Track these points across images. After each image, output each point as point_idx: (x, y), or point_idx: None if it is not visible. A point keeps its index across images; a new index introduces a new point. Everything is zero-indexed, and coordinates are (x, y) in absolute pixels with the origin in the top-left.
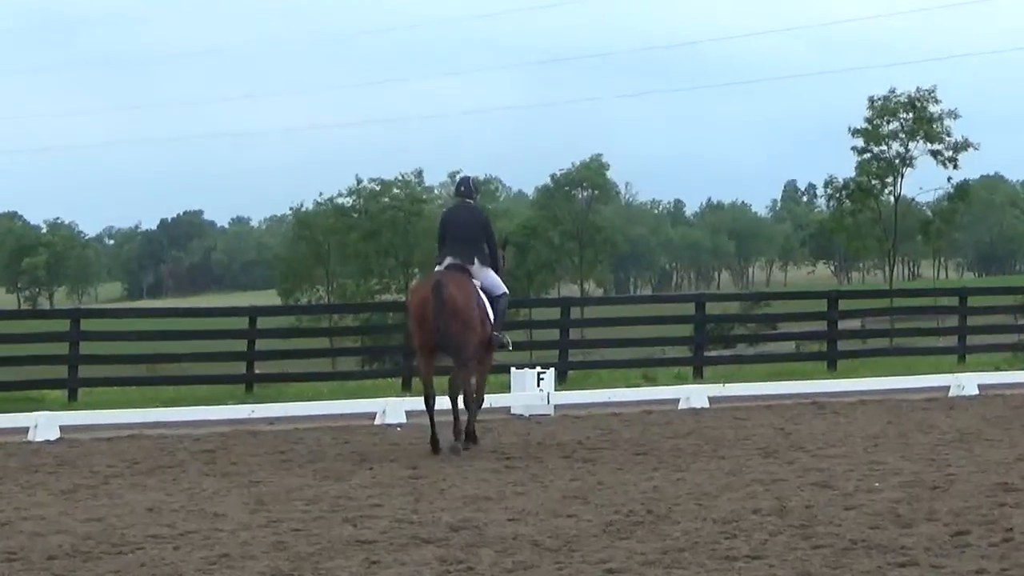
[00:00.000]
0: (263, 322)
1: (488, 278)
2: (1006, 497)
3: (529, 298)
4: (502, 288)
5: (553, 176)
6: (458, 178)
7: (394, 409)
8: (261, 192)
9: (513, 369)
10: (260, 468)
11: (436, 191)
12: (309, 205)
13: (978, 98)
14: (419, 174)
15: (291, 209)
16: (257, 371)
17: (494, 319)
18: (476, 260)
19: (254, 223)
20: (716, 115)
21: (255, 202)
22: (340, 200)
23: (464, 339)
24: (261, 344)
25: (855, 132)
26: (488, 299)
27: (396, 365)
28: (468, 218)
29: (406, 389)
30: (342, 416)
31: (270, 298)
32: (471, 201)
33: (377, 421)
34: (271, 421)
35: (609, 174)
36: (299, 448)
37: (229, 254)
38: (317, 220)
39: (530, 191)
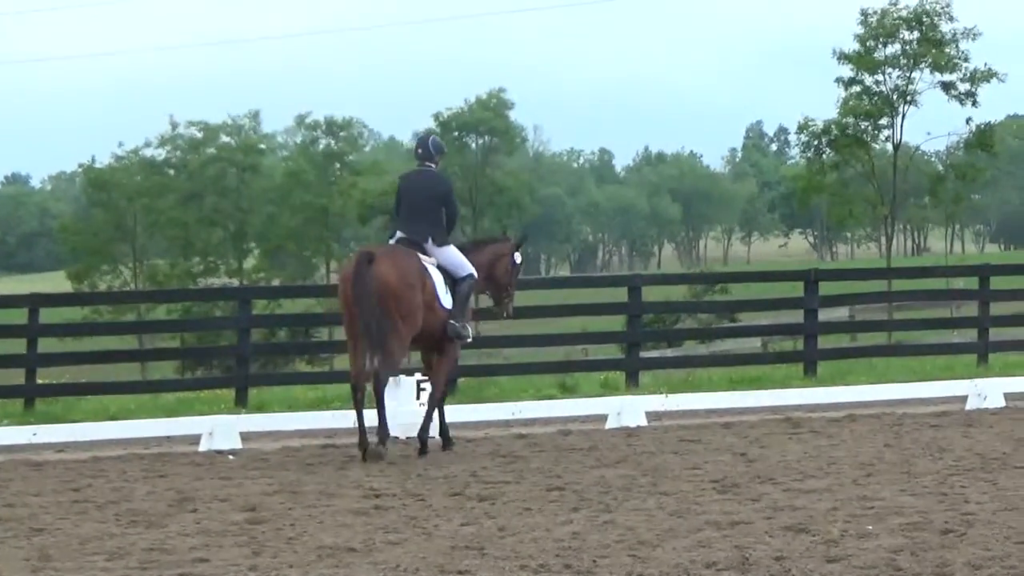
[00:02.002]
0: (47, 315)
1: (447, 257)
2: None
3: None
4: (467, 269)
5: (438, 118)
6: (417, 138)
7: (225, 431)
8: (42, 142)
9: None
10: (45, 511)
11: (279, 139)
12: (106, 159)
13: (1004, 13)
14: (255, 116)
15: (81, 166)
16: (40, 381)
17: (453, 304)
18: (431, 236)
19: (34, 183)
20: (656, 36)
21: (34, 155)
22: (148, 152)
23: (388, 327)
24: (45, 345)
25: (842, 58)
26: (450, 281)
27: (228, 372)
28: (425, 186)
29: (240, 404)
30: (155, 440)
31: (57, 283)
32: (431, 165)
33: (202, 447)
34: (59, 448)
35: (513, 115)
36: (98, 483)
37: (0, 224)
38: (117, 179)
39: (406, 138)
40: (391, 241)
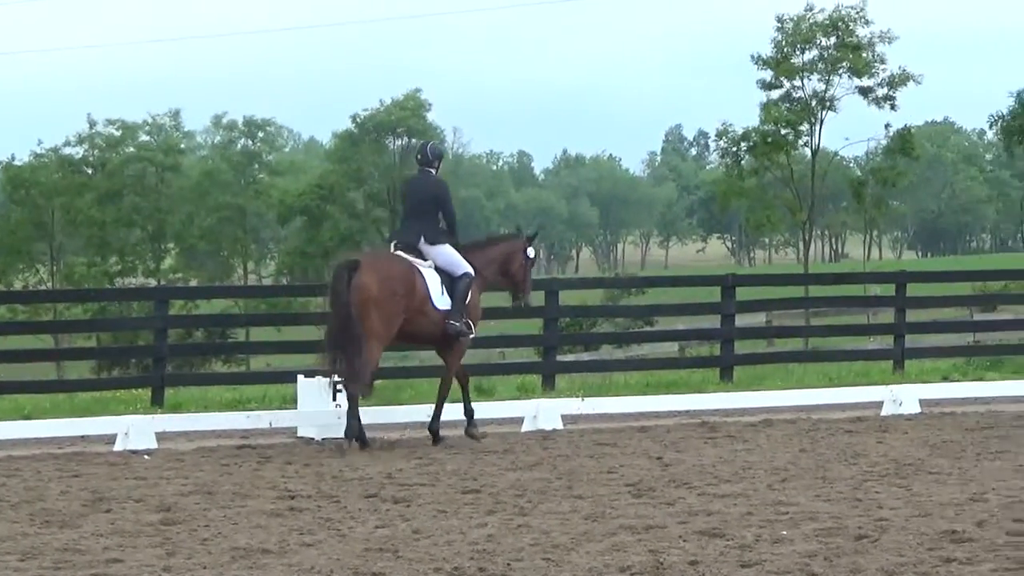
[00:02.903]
0: None
1: (443, 256)
2: (955, 550)
3: (323, 283)
4: (463, 268)
5: (356, 119)
6: (418, 144)
7: (140, 431)
8: None
9: (300, 377)
10: None
11: (199, 139)
12: (24, 156)
13: (919, 18)
14: (175, 115)
15: (0, 163)
16: None
17: (451, 303)
18: (424, 237)
19: None
20: (575, 39)
21: None
22: (67, 150)
23: (362, 336)
24: None
25: (760, 62)
26: (447, 280)
27: (144, 372)
28: (422, 189)
29: (156, 404)
30: (70, 440)
31: None
32: (431, 170)
33: (118, 446)
34: None
35: (431, 117)
36: (12, 483)
37: None
38: (36, 177)
39: (325, 139)
40: (392, 242)
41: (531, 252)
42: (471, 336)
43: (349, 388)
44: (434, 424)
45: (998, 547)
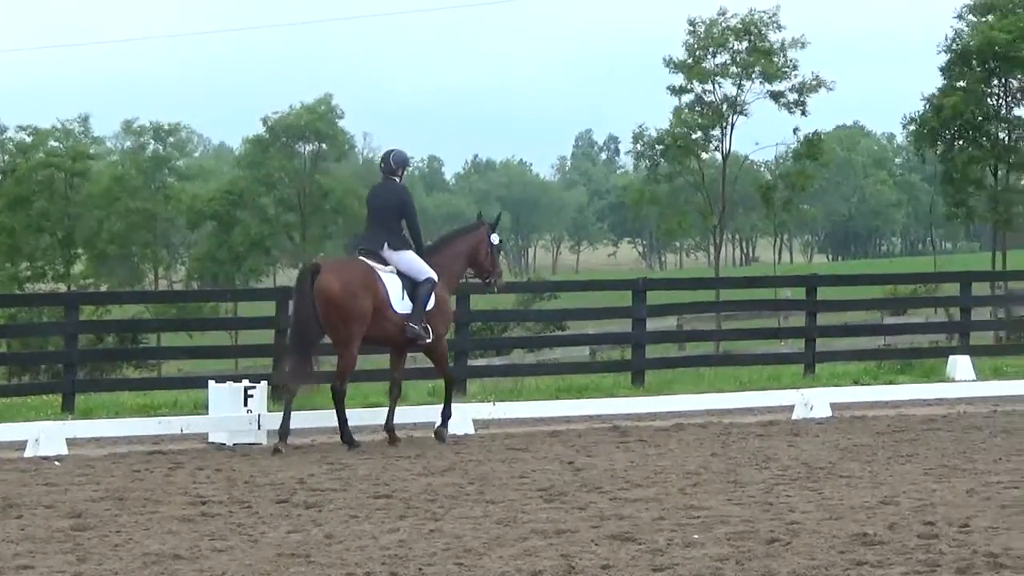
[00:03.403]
0: None
1: (405, 262)
2: (866, 553)
3: (234, 288)
4: (425, 273)
5: (266, 124)
6: (383, 152)
7: (51, 437)
8: None
9: (211, 383)
10: None
11: (109, 144)
12: None
13: (830, 23)
14: (85, 121)
15: None
16: None
17: (413, 307)
18: (387, 243)
19: None
20: (486, 43)
21: None
22: None
23: (316, 339)
24: None
25: (672, 65)
26: (409, 285)
27: (55, 377)
28: (384, 197)
29: (67, 410)
30: None
31: None
32: (395, 178)
33: (28, 453)
34: None
35: (342, 122)
36: None
37: None
38: None
39: (236, 144)
40: (356, 249)
41: (495, 239)
42: (427, 341)
43: (291, 388)
44: (445, 413)
45: (909, 550)
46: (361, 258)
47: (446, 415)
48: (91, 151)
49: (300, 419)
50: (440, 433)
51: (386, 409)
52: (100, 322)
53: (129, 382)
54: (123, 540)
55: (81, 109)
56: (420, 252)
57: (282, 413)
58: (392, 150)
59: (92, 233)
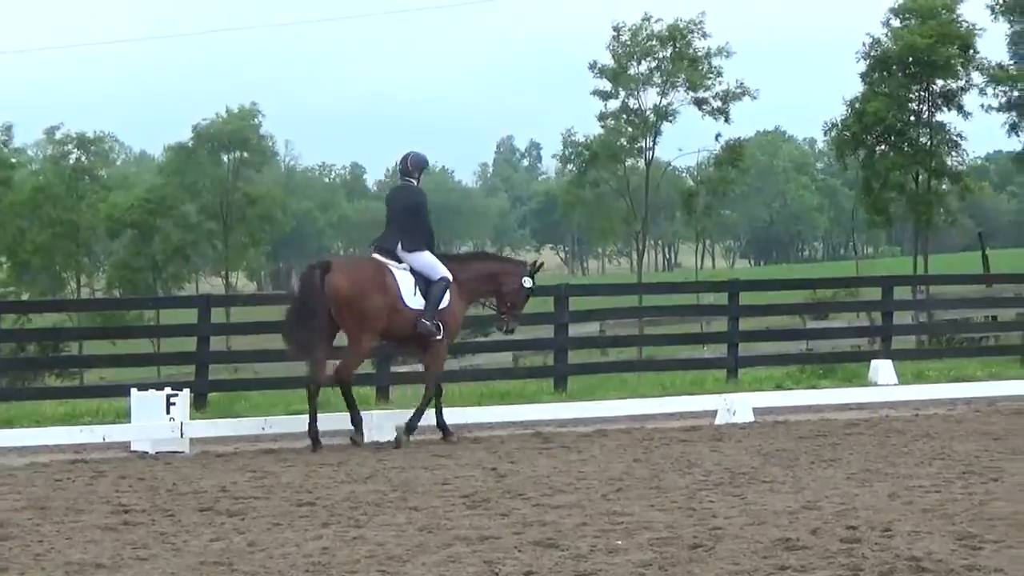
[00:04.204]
0: None
1: (420, 262)
2: (789, 558)
3: (156, 296)
4: (439, 272)
5: (195, 131)
6: (401, 156)
7: None
8: None
9: (134, 391)
10: None
11: (31, 152)
12: None
13: (751, 28)
14: (7, 130)
15: None
16: None
17: (426, 304)
18: (400, 243)
19: None
20: (407, 50)
21: None
22: None
23: (320, 333)
24: None
25: (597, 71)
26: (423, 283)
27: None
28: (400, 199)
29: None
30: None
31: None
32: (411, 180)
33: None
34: None
35: (264, 130)
36: None
37: None
38: None
39: (157, 152)
40: (373, 248)
41: (528, 283)
42: (437, 337)
43: (313, 386)
44: (412, 422)
45: (831, 554)
46: (375, 256)
47: (414, 422)
48: (13, 160)
49: (224, 427)
50: (400, 439)
51: (307, 416)
52: (22, 331)
53: (51, 391)
54: (45, 549)
55: (3, 118)
56: (433, 252)
57: (308, 414)
58: (410, 153)
59: (14, 242)
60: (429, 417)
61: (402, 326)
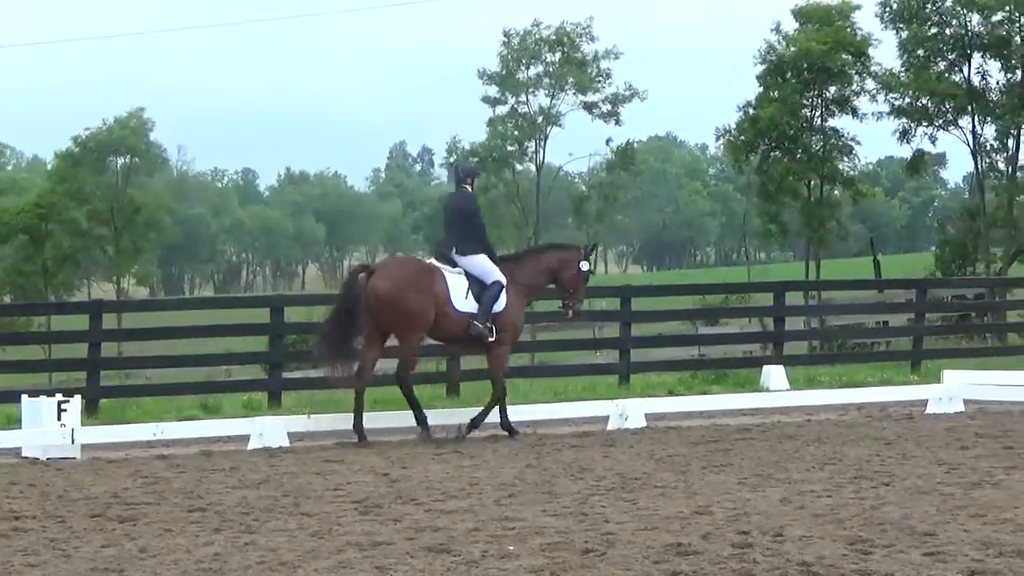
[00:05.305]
0: None
1: (474, 266)
2: (680, 563)
3: (47, 302)
4: (493, 276)
5: (77, 139)
6: (454, 165)
7: None
8: None
9: (24, 397)
10: None
11: None
12: None
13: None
14: None
15: None
16: None
17: (479, 307)
18: (456, 248)
19: None
20: (298, 56)
21: None
22: None
23: (353, 334)
24: None
25: (486, 77)
26: (477, 287)
27: None
28: (454, 206)
29: None
30: None
31: None
32: (465, 187)
33: None
34: None
35: (154, 136)
36: None
37: None
38: None
39: (48, 156)
40: (433, 253)
41: (585, 266)
42: (490, 340)
43: (358, 386)
44: (479, 419)
45: (723, 559)
46: (430, 260)
47: (478, 421)
48: None
49: (115, 433)
50: (460, 429)
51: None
52: None
53: None
54: None
55: None
56: (492, 254)
57: (353, 411)
58: (460, 162)
59: None
60: (322, 423)
61: (452, 328)
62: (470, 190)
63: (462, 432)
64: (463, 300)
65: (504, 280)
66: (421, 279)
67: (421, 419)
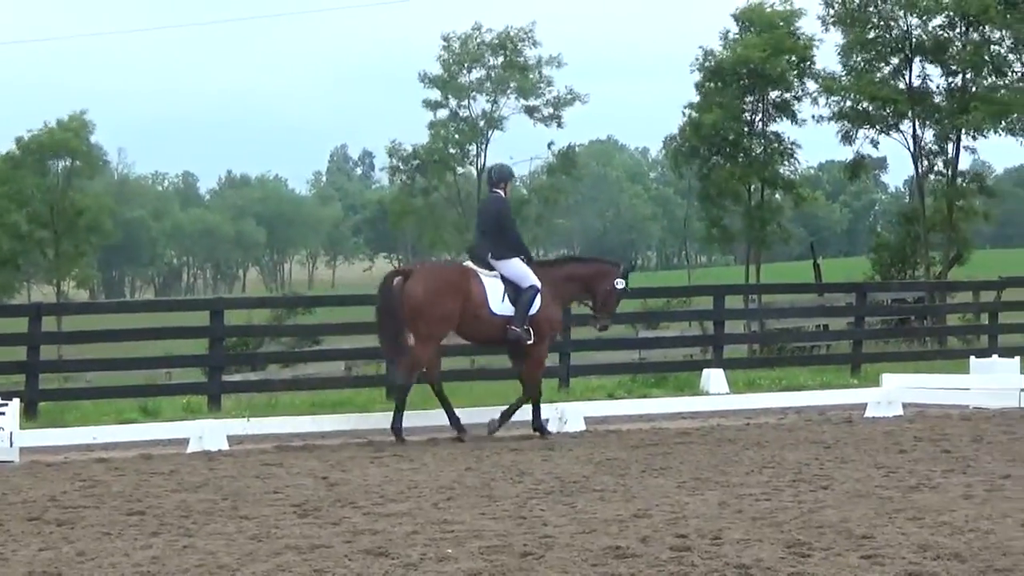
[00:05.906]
0: None
1: (509, 269)
2: (619, 566)
3: None
4: (528, 281)
5: (18, 141)
6: (488, 168)
7: None
8: None
9: None
10: None
11: None
12: None
13: (584, 38)
14: None
15: None
16: None
17: (515, 311)
18: (490, 252)
19: None
20: (239, 59)
21: None
22: None
23: (404, 337)
24: None
25: (427, 80)
26: (512, 290)
27: None
28: (487, 209)
29: None
30: None
31: None
32: (498, 191)
33: None
34: None
35: (94, 138)
36: None
37: None
38: None
39: None
40: (468, 256)
41: (620, 284)
42: (528, 343)
43: (398, 382)
44: (536, 421)
45: (661, 562)
46: (467, 263)
47: (507, 415)
48: None
49: (54, 436)
50: (492, 425)
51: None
52: None
53: None
54: None
55: None
56: (528, 258)
57: (394, 410)
58: (495, 165)
59: None
60: (262, 426)
61: (488, 331)
62: (503, 194)
63: (493, 427)
64: (499, 303)
65: (539, 284)
66: (455, 283)
67: (454, 420)
